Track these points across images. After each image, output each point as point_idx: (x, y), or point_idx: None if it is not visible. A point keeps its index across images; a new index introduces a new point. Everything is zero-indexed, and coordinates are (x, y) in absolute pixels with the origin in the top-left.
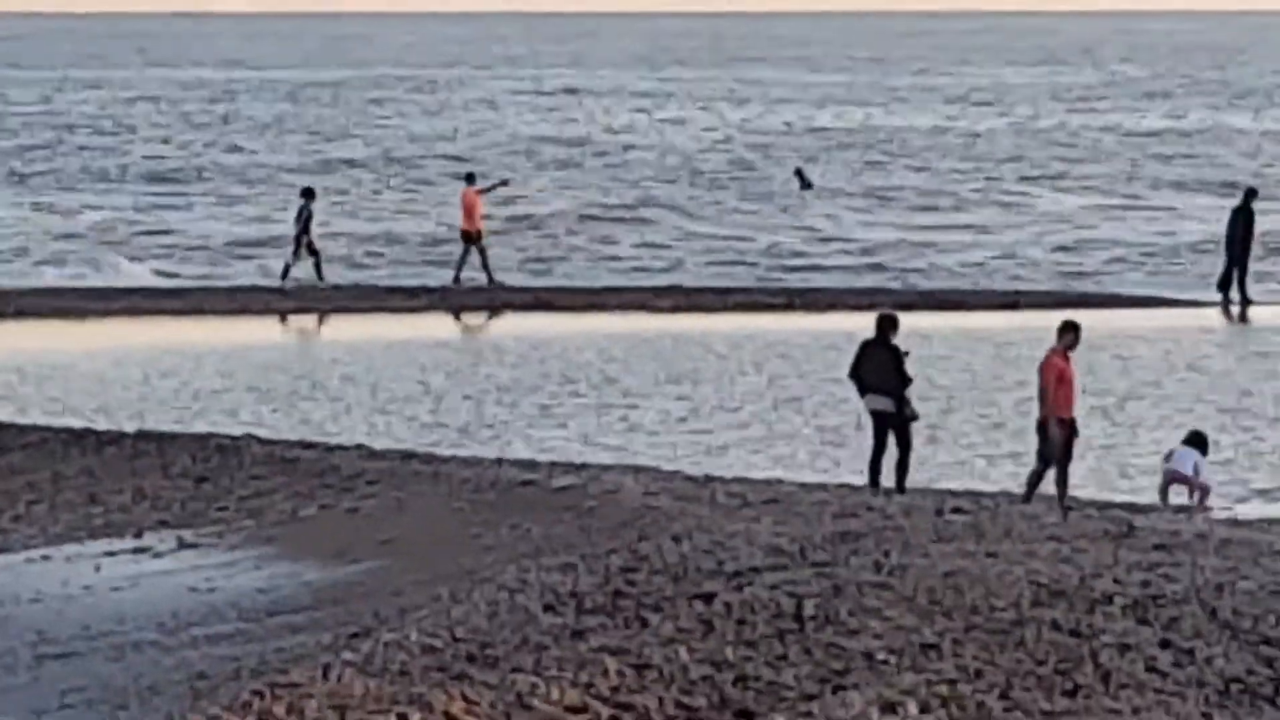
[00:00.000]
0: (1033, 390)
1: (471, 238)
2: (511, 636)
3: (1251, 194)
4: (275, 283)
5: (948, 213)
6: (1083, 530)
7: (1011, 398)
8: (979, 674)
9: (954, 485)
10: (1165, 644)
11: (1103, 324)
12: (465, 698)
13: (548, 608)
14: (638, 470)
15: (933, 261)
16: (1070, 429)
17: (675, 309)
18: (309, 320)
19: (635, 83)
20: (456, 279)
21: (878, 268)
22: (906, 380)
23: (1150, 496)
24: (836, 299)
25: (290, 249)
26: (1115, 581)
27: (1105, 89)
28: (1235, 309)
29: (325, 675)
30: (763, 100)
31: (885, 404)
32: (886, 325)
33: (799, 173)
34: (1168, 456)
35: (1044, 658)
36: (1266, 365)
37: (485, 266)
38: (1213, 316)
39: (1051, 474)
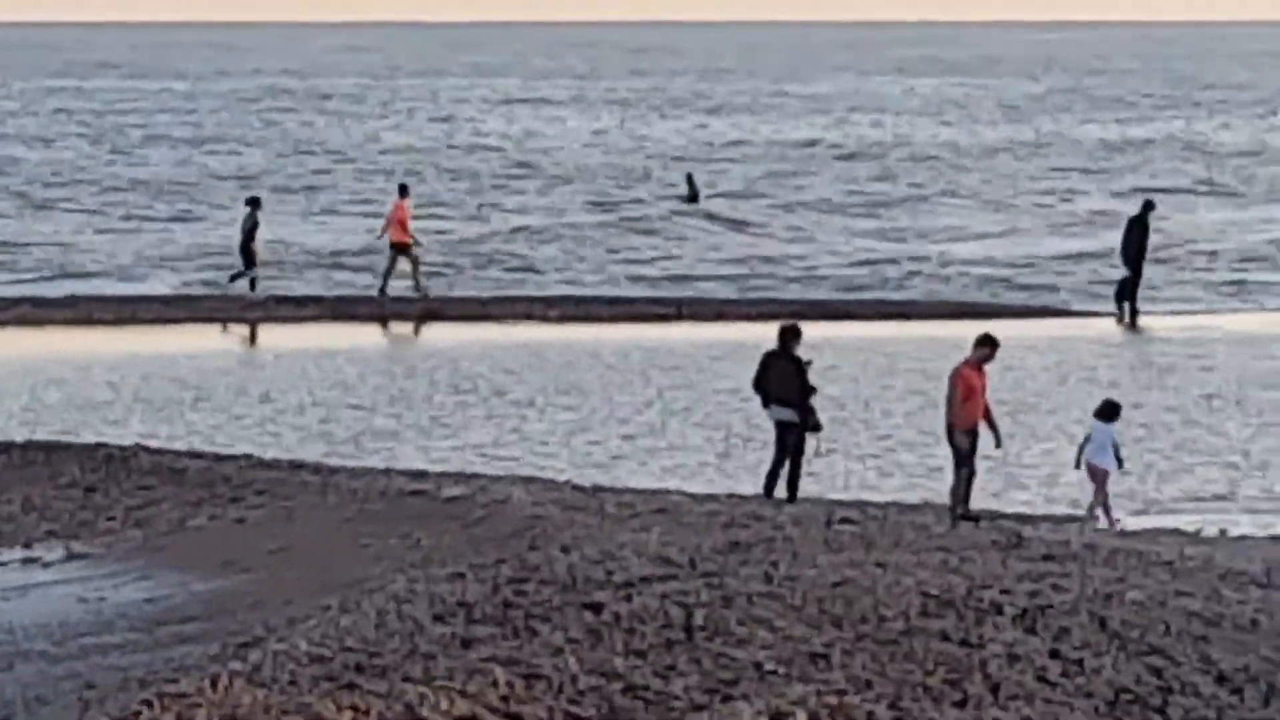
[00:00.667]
0: (922, 400)
1: (401, 249)
2: (400, 646)
3: (1149, 206)
4: (167, 292)
5: (843, 218)
6: (971, 540)
7: (901, 408)
8: (868, 684)
9: (843, 496)
10: (1054, 654)
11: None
12: (354, 708)
13: (436, 618)
14: (527, 480)
15: (821, 272)
16: (971, 441)
17: (564, 319)
18: (196, 330)
19: (523, 91)
20: (383, 290)
21: (766, 277)
22: (809, 390)
23: (1041, 508)
24: (724, 309)
25: (243, 260)
26: (1004, 592)
27: (997, 100)
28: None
29: (214, 685)
30: (658, 109)
31: (789, 415)
32: (789, 336)
33: (689, 180)
34: (1085, 441)
35: (933, 668)
36: (1156, 376)
37: (415, 275)
38: (1104, 326)
39: (955, 481)
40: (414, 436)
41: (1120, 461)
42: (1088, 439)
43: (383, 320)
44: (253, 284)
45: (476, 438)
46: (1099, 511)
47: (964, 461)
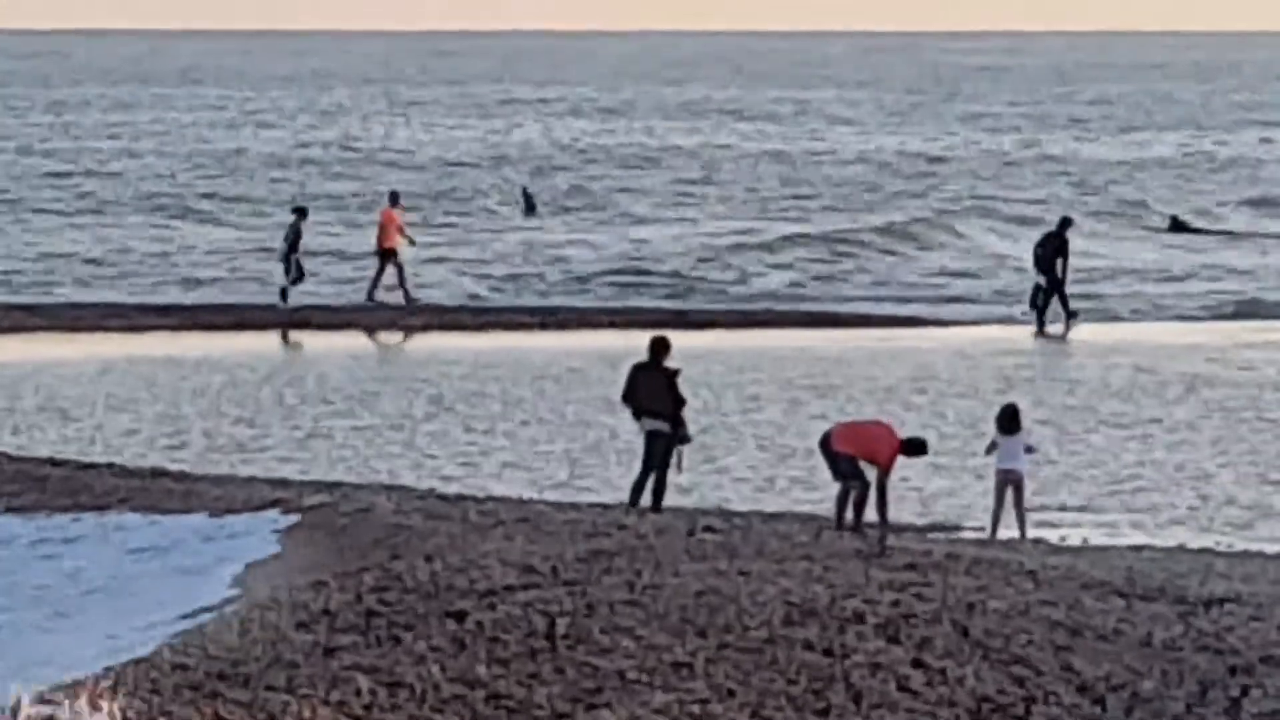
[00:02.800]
0: (782, 410)
1: (388, 255)
2: (263, 654)
3: (1066, 223)
4: (23, 300)
5: (694, 223)
6: (835, 549)
7: (763, 417)
8: (731, 693)
9: (706, 505)
10: (917, 663)
11: (847, 342)
12: (217, 715)
13: (300, 625)
14: (390, 489)
15: (680, 278)
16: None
17: (428, 328)
18: (56, 338)
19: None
20: (370, 296)
21: (626, 286)
22: (680, 401)
23: (905, 517)
24: (586, 318)
25: (283, 269)
26: (867, 601)
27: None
28: (1056, 328)
29: (75, 693)
30: (506, 115)
31: (661, 426)
32: (659, 348)
33: (525, 193)
34: (991, 448)
35: (796, 677)
36: (1018, 388)
37: (401, 283)
38: (967, 337)
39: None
40: (276, 445)
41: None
42: (993, 446)
43: (244, 329)
44: (284, 294)
45: (339, 447)
46: (1000, 518)
47: (856, 475)
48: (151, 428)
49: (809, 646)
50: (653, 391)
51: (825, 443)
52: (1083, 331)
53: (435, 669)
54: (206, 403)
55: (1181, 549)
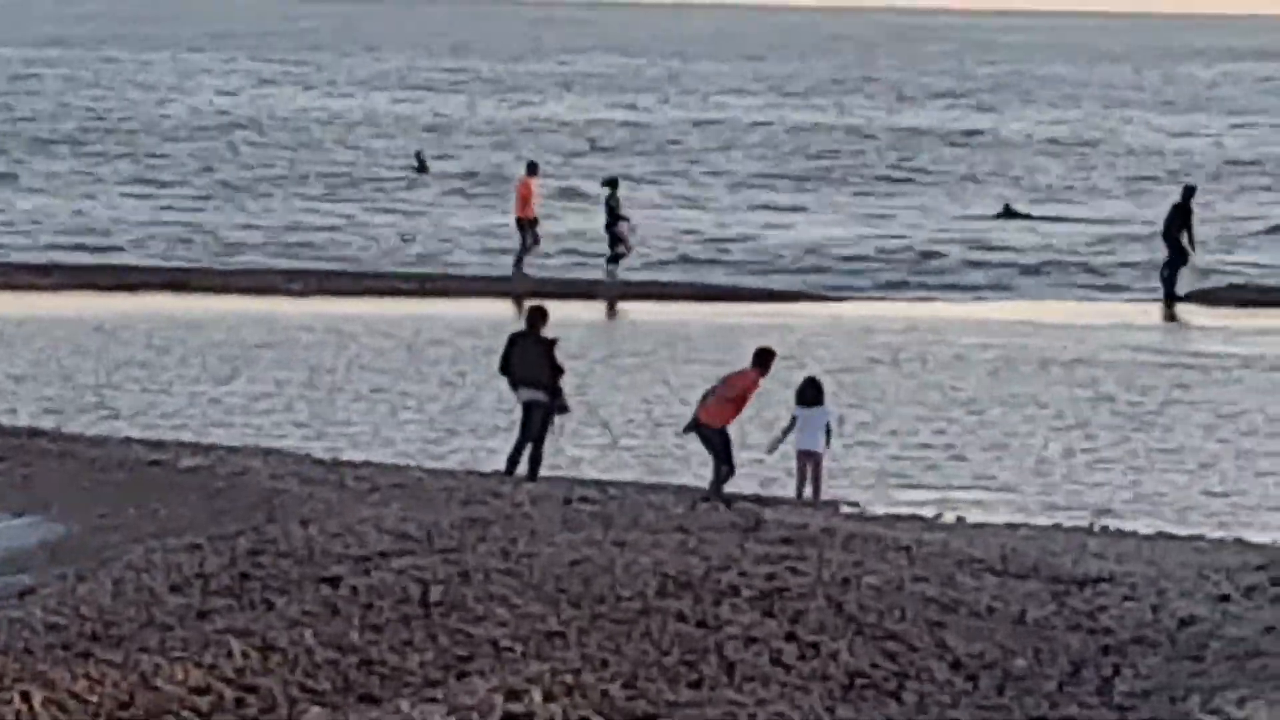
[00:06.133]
0: (663, 383)
1: (526, 225)
2: (136, 616)
3: (1190, 192)
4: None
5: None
6: (710, 522)
7: (644, 393)
8: (604, 663)
9: (583, 475)
10: (790, 637)
11: (715, 317)
12: (89, 677)
13: (173, 588)
14: (266, 452)
15: (563, 248)
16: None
17: (305, 293)
18: None
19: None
20: (518, 264)
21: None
22: (559, 371)
23: (779, 489)
24: (466, 285)
25: (611, 242)
26: (742, 574)
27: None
28: (1176, 305)
29: None
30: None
31: (538, 396)
32: (536, 318)
33: (418, 155)
34: (789, 427)
35: (669, 648)
36: (892, 365)
37: (522, 252)
38: (840, 312)
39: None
40: (151, 406)
41: (829, 439)
42: (792, 425)
43: (126, 289)
44: (614, 263)
45: (213, 409)
46: (809, 494)
47: (722, 456)
48: (30, 388)
49: (682, 618)
50: (530, 361)
51: (696, 422)
52: (960, 310)
53: (308, 634)
54: (88, 363)
55: (1057, 528)
